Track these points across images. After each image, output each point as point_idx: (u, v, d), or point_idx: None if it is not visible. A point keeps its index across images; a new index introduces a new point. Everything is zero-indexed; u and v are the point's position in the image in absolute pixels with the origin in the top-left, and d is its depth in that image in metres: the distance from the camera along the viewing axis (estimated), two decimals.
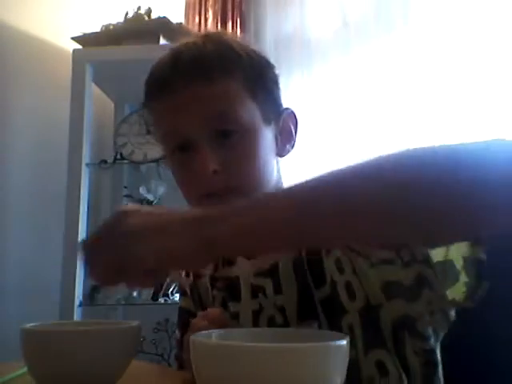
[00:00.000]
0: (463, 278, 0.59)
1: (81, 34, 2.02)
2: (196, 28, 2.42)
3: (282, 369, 0.41)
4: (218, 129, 0.71)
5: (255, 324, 0.74)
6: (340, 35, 2.03)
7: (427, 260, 0.61)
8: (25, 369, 0.60)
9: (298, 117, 0.80)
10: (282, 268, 0.73)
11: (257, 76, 0.75)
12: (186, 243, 0.48)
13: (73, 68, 1.95)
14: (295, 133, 0.80)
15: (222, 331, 0.51)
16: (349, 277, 0.67)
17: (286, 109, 0.80)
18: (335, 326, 0.67)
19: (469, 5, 1.68)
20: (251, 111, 0.73)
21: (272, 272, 0.73)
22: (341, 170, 0.49)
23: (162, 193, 2.08)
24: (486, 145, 0.49)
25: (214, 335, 0.50)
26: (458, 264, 0.59)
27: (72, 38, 2.02)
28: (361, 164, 0.50)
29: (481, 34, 1.64)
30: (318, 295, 0.69)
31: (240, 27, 2.32)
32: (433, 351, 0.67)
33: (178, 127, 0.72)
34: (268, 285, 0.73)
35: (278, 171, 0.79)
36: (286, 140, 0.79)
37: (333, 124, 1.89)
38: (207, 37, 0.76)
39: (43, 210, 2.03)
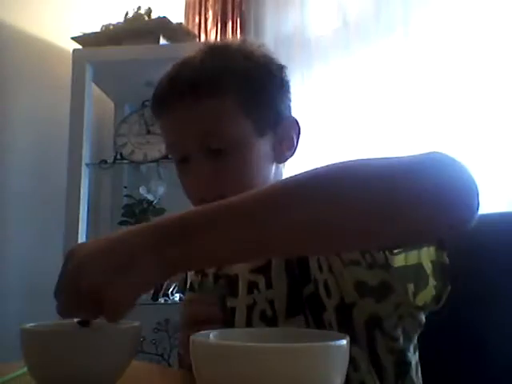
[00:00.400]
0: (432, 281, 0.61)
1: (81, 34, 2.03)
2: (196, 28, 2.42)
3: (282, 369, 0.41)
4: (208, 146, 0.76)
5: (248, 318, 0.78)
6: (340, 35, 2.03)
7: (387, 265, 0.63)
8: (25, 369, 0.60)
9: (300, 125, 0.82)
10: (274, 265, 0.77)
11: (253, 91, 0.77)
12: (148, 271, 0.49)
13: (73, 68, 1.95)
14: (297, 141, 0.82)
15: (222, 331, 0.51)
16: (326, 275, 0.71)
17: (289, 117, 0.83)
18: (319, 321, 0.71)
19: (469, 5, 1.68)
20: (242, 127, 0.76)
21: (265, 268, 0.77)
22: (283, 185, 0.53)
23: (162, 193, 2.08)
24: (420, 159, 0.56)
25: (214, 335, 0.50)
26: (428, 268, 0.61)
27: (72, 38, 2.02)
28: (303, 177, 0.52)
29: (481, 34, 1.63)
30: (305, 292, 0.73)
31: (240, 27, 2.32)
32: (403, 352, 0.71)
33: (176, 143, 0.79)
34: (261, 280, 0.77)
35: (277, 176, 0.82)
36: (285, 147, 0.82)
37: (332, 124, 1.89)
38: (210, 50, 0.80)
39: (43, 210, 2.03)
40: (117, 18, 2.05)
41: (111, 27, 2.04)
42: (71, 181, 1.89)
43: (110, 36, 2.02)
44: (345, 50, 2.00)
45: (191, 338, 0.46)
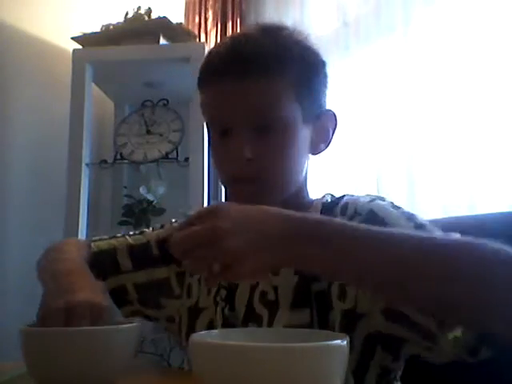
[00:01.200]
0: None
1: (81, 34, 2.02)
2: (196, 28, 2.42)
3: (282, 369, 0.41)
4: (258, 122, 0.75)
5: (250, 298, 0.79)
6: (340, 35, 2.03)
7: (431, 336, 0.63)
8: (25, 369, 0.60)
9: (338, 119, 0.84)
10: None
11: (305, 78, 0.78)
12: (278, 258, 0.54)
13: (73, 68, 1.95)
14: (332, 134, 0.83)
15: (221, 331, 0.51)
16: None
17: (328, 110, 0.84)
18: (324, 320, 0.72)
19: (469, 5, 1.68)
20: (292, 110, 0.76)
21: None
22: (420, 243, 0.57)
23: (161, 193, 2.07)
24: None
25: (214, 335, 0.50)
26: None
27: (72, 38, 2.02)
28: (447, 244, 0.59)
29: (481, 34, 1.63)
30: (314, 288, 0.73)
31: (240, 27, 2.32)
32: (394, 370, 0.74)
33: (223, 115, 0.77)
34: None
35: (307, 170, 0.83)
36: (321, 139, 0.83)
37: None
38: (265, 31, 0.79)
39: (43, 210, 2.02)
40: (117, 17, 2.05)
41: (111, 27, 2.04)
42: (71, 181, 1.89)
43: (110, 36, 2.02)
44: (345, 50, 2.00)
45: (191, 338, 0.46)
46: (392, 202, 0.76)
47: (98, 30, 2.04)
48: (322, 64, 0.83)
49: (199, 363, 0.45)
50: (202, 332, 0.50)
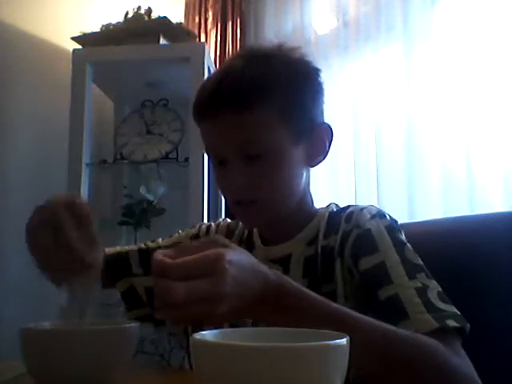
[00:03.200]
0: None
1: (81, 34, 2.02)
2: (196, 28, 2.42)
3: (282, 369, 0.41)
4: (245, 153, 0.79)
5: None
6: (340, 35, 2.03)
7: None
8: (25, 369, 0.60)
9: (333, 130, 0.87)
10: (293, 260, 0.84)
11: (293, 100, 0.81)
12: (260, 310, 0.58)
13: (73, 68, 1.95)
14: (329, 145, 0.86)
15: (221, 331, 0.51)
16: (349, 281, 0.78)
17: (323, 123, 0.87)
18: None
19: (470, 5, 1.68)
20: (278, 136, 0.80)
21: (284, 261, 0.84)
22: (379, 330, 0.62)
23: (161, 193, 2.07)
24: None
25: (213, 335, 0.50)
26: None
27: (72, 38, 2.02)
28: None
29: (482, 34, 1.63)
30: (324, 288, 0.78)
31: (240, 27, 2.32)
32: None
33: (216, 147, 0.83)
34: (278, 270, 0.80)
35: (307, 180, 0.87)
36: (318, 152, 0.86)
37: (332, 124, 1.89)
38: (251, 58, 0.82)
39: None
40: (117, 17, 2.05)
41: (111, 27, 2.04)
42: (71, 181, 1.89)
43: (110, 36, 2.02)
44: (344, 50, 2.00)
45: (191, 338, 0.46)
46: (391, 223, 0.80)
47: (98, 29, 2.04)
48: (315, 74, 0.85)
49: (199, 363, 0.45)
50: (202, 332, 0.50)
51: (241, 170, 0.80)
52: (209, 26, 2.41)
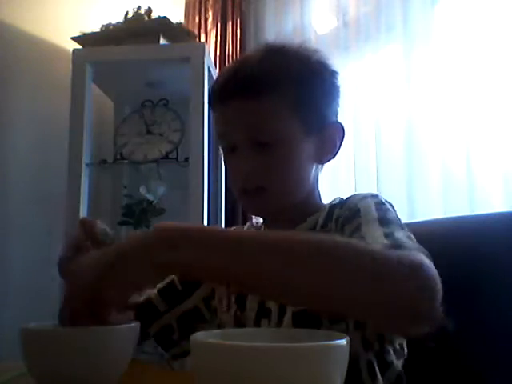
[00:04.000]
0: None
1: (81, 34, 2.02)
2: (196, 28, 2.42)
3: (281, 369, 0.41)
4: (255, 139, 0.81)
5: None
6: (340, 35, 2.03)
7: None
8: (25, 369, 0.60)
9: (345, 130, 0.88)
10: None
11: (304, 94, 0.83)
12: (135, 272, 0.56)
13: (73, 68, 1.95)
14: (340, 145, 0.88)
15: (222, 331, 0.51)
16: None
17: (335, 122, 0.88)
18: None
19: (469, 5, 1.68)
20: (289, 125, 0.82)
21: None
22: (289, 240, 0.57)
23: (161, 193, 2.07)
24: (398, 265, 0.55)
25: (213, 335, 0.50)
26: None
27: (72, 38, 2.02)
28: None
29: (482, 34, 1.63)
30: None
31: (240, 27, 2.32)
32: (378, 354, 0.76)
33: (227, 133, 0.85)
34: None
35: (316, 176, 0.88)
36: (328, 150, 0.87)
37: None
38: (269, 51, 0.86)
39: (43, 210, 2.03)
40: (117, 17, 2.05)
41: (111, 27, 2.04)
42: (71, 181, 1.89)
43: (110, 36, 2.02)
44: (345, 50, 2.00)
45: (191, 338, 0.46)
46: (381, 201, 0.78)
47: (98, 30, 2.04)
48: (330, 75, 0.87)
49: (199, 363, 0.45)
50: (202, 332, 0.50)
51: (249, 156, 0.81)
52: (209, 26, 2.41)
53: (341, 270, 0.54)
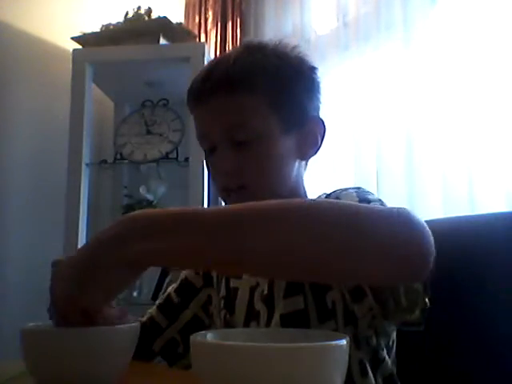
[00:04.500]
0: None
1: (81, 34, 2.02)
2: (196, 28, 2.42)
3: (281, 369, 0.41)
4: (234, 138, 0.80)
5: (251, 297, 0.83)
6: (340, 35, 2.03)
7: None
8: (25, 369, 0.60)
9: (326, 125, 0.86)
10: None
11: (282, 90, 0.81)
12: (111, 271, 0.53)
13: (73, 68, 1.95)
14: (321, 140, 0.86)
15: (222, 331, 0.51)
16: None
17: (315, 116, 0.86)
18: (319, 300, 0.75)
19: (470, 5, 1.68)
20: (267, 123, 0.80)
21: None
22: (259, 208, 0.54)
23: (161, 193, 2.08)
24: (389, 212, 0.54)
25: (214, 335, 0.50)
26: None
27: (72, 38, 2.02)
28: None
29: (481, 34, 1.63)
30: None
31: (240, 27, 2.32)
32: (374, 349, 0.76)
33: (205, 133, 0.84)
34: None
35: (300, 173, 0.87)
36: (309, 146, 0.85)
37: (331, 123, 1.89)
38: (246, 48, 0.85)
39: (43, 210, 2.03)
40: (117, 17, 2.05)
41: (111, 27, 2.04)
42: (71, 181, 1.89)
43: (110, 36, 2.02)
44: (344, 50, 2.00)
45: (191, 338, 0.46)
46: (363, 189, 0.76)
47: (98, 30, 2.04)
48: (309, 70, 0.86)
49: (199, 363, 0.45)
50: (202, 332, 0.50)
51: (229, 155, 0.80)
52: (209, 26, 2.41)
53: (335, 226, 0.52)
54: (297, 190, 0.87)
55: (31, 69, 2.07)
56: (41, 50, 2.11)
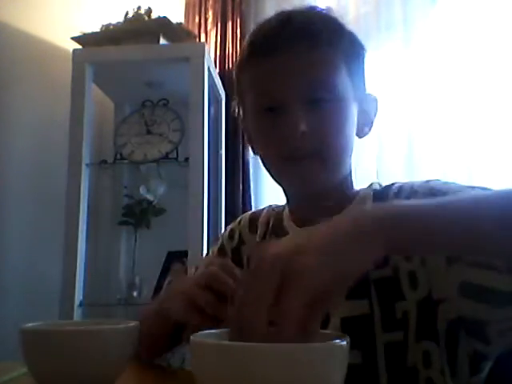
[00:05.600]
0: None
1: (81, 34, 2.02)
2: (196, 28, 2.42)
3: (281, 369, 0.41)
4: (312, 95, 0.72)
5: None
6: None
7: None
8: (25, 369, 0.60)
9: (379, 105, 0.82)
10: None
11: (355, 53, 0.77)
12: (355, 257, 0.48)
13: (73, 68, 1.95)
14: (374, 119, 0.82)
15: (222, 331, 0.51)
16: (416, 267, 0.68)
17: (370, 94, 0.82)
18: (387, 307, 0.68)
19: (469, 5, 1.68)
20: (345, 84, 0.74)
21: None
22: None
23: (161, 193, 2.08)
24: None
25: (213, 335, 0.50)
26: None
27: (72, 38, 2.02)
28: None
29: (481, 34, 1.63)
30: (374, 274, 0.69)
31: (240, 27, 2.32)
32: (485, 357, 0.66)
33: (274, 88, 0.73)
34: None
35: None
36: (365, 122, 0.81)
37: None
38: (312, 8, 0.79)
39: (43, 210, 2.02)
40: (117, 17, 2.05)
41: (111, 27, 2.04)
42: (71, 181, 1.89)
43: (109, 36, 2.02)
44: None
45: (191, 338, 0.46)
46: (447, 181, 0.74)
47: (98, 30, 2.04)
48: (365, 49, 0.81)
49: (199, 363, 0.45)
50: (202, 332, 0.49)
51: (303, 114, 0.71)
52: (209, 26, 2.41)
53: None
54: (348, 178, 0.83)
55: (31, 69, 2.07)
56: (41, 50, 2.11)
